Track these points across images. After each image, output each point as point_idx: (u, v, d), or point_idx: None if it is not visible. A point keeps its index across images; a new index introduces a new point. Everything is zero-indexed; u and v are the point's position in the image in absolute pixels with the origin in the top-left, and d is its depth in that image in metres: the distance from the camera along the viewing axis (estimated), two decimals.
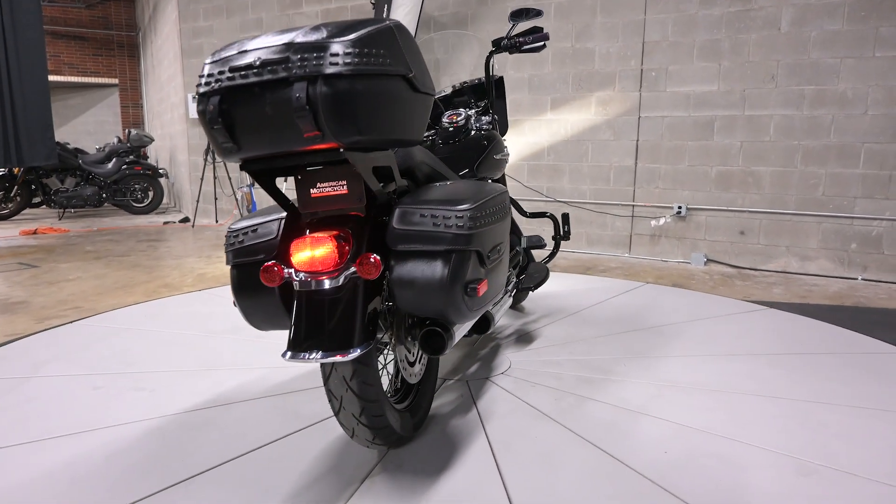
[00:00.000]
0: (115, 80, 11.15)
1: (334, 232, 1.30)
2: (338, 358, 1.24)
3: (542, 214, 2.73)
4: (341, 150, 1.16)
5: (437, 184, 1.56)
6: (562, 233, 2.67)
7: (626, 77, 4.66)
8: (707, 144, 4.45)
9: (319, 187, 1.33)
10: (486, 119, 2.55)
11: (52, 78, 9.84)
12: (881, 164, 3.98)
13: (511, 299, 2.29)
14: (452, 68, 5.27)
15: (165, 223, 7.01)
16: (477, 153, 2.25)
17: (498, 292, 1.54)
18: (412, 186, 1.66)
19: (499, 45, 2.49)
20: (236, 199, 6.52)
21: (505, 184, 2.85)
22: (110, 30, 11.06)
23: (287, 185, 6.15)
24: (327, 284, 1.28)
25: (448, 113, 2.41)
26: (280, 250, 1.37)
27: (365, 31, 1.16)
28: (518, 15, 2.45)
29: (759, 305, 3.15)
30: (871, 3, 3.88)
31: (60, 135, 10.63)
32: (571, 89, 4.88)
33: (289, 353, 1.27)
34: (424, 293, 1.31)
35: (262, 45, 1.15)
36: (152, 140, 8.35)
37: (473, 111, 2.54)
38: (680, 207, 4.56)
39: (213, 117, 1.15)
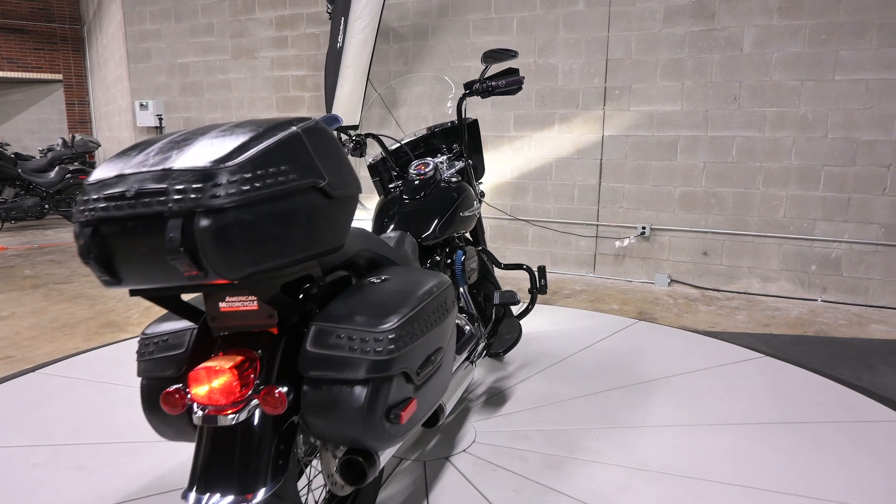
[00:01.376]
0: (59, 76, 10.58)
1: (238, 358, 1.15)
2: None
3: (517, 266, 2.61)
4: (234, 282, 1.02)
5: (371, 280, 1.40)
6: (538, 286, 2.55)
7: (590, 94, 4.57)
8: (670, 165, 4.40)
9: (228, 301, 1.19)
10: (459, 165, 2.42)
11: None
12: (840, 187, 3.99)
13: (473, 375, 2.17)
14: (420, 105, 5.11)
15: None
16: (443, 210, 2.11)
17: (434, 405, 1.41)
18: (353, 275, 1.52)
19: (471, 88, 2.34)
20: None
21: (482, 232, 2.71)
22: (52, 22, 10.47)
23: None
24: (230, 419, 1.13)
25: (416, 163, 2.27)
26: (190, 366, 1.22)
27: (260, 148, 1.00)
28: (491, 56, 2.30)
29: (750, 353, 3.00)
30: (831, 26, 3.87)
31: (1, 132, 10.08)
32: (535, 106, 4.77)
33: (191, 497, 1.12)
34: (338, 424, 1.17)
35: (140, 170, 0.99)
36: (98, 146, 7.95)
37: (445, 157, 2.40)
38: (644, 228, 4.51)
39: (85, 250, 1.00)
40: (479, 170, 2.64)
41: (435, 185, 2.19)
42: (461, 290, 2.16)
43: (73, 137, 7.80)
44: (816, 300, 4.12)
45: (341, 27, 4.66)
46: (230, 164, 0.96)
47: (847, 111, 3.90)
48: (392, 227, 2.03)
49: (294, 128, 1.07)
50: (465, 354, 1.94)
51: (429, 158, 2.28)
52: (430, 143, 2.54)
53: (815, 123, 3.99)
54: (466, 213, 2.21)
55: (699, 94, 4.24)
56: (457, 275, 2.11)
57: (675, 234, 4.47)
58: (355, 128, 5.23)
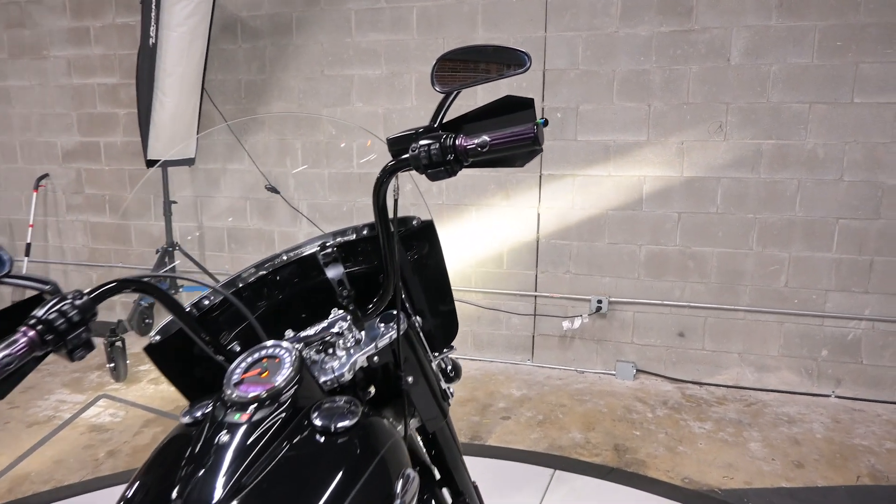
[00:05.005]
0: None
1: None
2: None
3: None
4: None
5: None
6: None
7: None
8: (634, 215, 3.21)
9: None
10: (385, 337, 0.93)
11: None
12: (860, 247, 2.95)
13: None
14: (283, 129, 3.54)
15: None
16: None
17: None
18: None
19: (405, 151, 0.86)
20: None
21: (456, 455, 1.15)
22: None
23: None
24: None
25: (241, 364, 0.76)
26: None
27: None
28: (461, 60, 0.90)
29: None
30: (849, 30, 2.81)
31: None
32: None
33: None
34: None
35: None
36: None
37: (343, 324, 0.90)
38: (600, 301, 3.28)
39: None
40: (444, 331, 1.16)
41: (290, 433, 0.68)
42: None
43: None
44: (829, 395, 3.07)
45: (153, 14, 3.09)
46: None
47: (870, 145, 2.87)
48: None
49: None
50: None
51: (283, 346, 0.78)
52: (309, 281, 1.04)
53: (826, 161, 2.93)
54: None
55: (672, 120, 3.08)
56: None
57: (640, 310, 3.28)
58: (192, 161, 3.66)
